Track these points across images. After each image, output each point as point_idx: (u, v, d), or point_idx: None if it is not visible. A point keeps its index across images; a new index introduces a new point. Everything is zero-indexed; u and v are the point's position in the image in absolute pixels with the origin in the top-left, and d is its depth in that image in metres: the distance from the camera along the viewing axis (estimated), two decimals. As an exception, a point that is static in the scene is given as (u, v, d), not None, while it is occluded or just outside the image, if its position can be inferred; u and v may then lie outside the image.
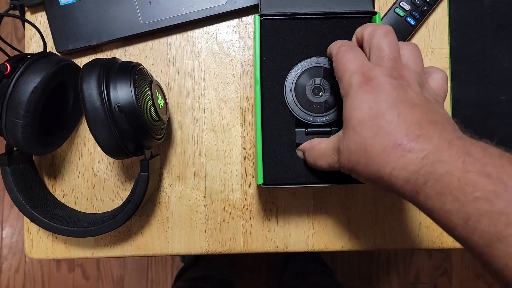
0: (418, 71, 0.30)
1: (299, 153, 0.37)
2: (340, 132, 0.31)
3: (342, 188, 0.47)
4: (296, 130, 0.37)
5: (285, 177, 0.37)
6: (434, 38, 0.48)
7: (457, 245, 0.46)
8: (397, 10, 0.45)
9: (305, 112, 0.36)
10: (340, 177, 0.36)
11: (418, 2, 0.45)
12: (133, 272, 1.25)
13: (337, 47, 0.32)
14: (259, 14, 0.37)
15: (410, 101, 0.27)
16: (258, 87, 0.37)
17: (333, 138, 0.32)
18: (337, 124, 0.37)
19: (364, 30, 0.32)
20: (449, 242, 0.46)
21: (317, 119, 0.36)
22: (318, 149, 0.33)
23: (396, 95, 0.27)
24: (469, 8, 0.47)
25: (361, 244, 0.46)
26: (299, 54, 0.37)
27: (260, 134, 0.36)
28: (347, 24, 0.37)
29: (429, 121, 0.26)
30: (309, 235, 0.46)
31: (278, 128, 0.37)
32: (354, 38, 0.34)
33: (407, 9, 0.45)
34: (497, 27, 0.47)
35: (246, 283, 1.22)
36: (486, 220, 0.21)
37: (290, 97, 0.37)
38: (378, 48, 0.30)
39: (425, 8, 0.46)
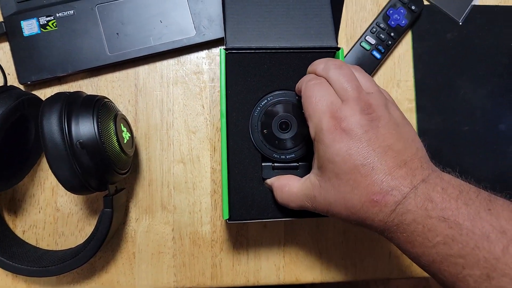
0: (377, 91, 0.31)
1: (267, 185, 0.37)
2: (314, 179, 0.30)
3: (313, 219, 0.46)
4: (262, 164, 0.37)
5: (251, 212, 0.36)
6: (400, 70, 0.49)
7: (426, 274, 0.46)
8: (363, 44, 0.47)
9: (270, 149, 0.36)
10: (309, 212, 0.36)
11: (383, 36, 0.47)
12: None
13: (305, 82, 0.32)
14: (224, 47, 0.37)
15: (382, 145, 0.28)
16: (224, 120, 0.36)
17: (306, 183, 0.31)
18: (304, 159, 0.37)
19: (316, 68, 0.32)
20: (418, 271, 0.47)
21: (283, 156, 0.36)
22: (290, 193, 0.33)
23: (368, 140, 0.28)
24: (432, 42, 0.49)
25: (332, 276, 0.46)
26: (264, 87, 0.38)
27: (225, 168, 0.36)
28: (311, 58, 0.38)
29: (400, 166, 0.27)
30: (280, 267, 0.46)
31: (244, 163, 0.37)
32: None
33: (373, 43, 0.47)
34: (460, 60, 0.49)
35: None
36: (447, 263, 0.24)
37: (255, 134, 0.36)
38: (338, 81, 0.30)
39: (390, 42, 0.47)
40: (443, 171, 0.28)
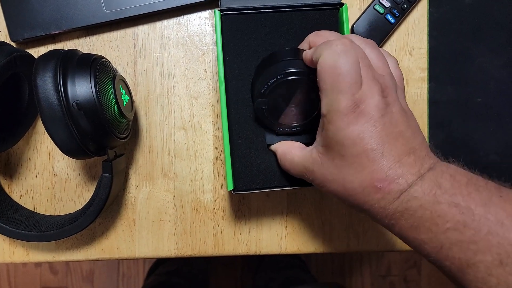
0: (389, 74, 0.29)
1: (271, 151, 0.36)
2: (316, 155, 0.29)
3: (317, 190, 0.45)
4: (266, 131, 0.35)
5: (257, 181, 0.35)
6: (413, 37, 0.46)
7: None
8: (377, 7, 0.44)
9: (274, 123, 0.34)
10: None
11: (398, -1, 0.44)
12: (104, 267, 1.21)
13: (327, 47, 0.27)
14: (219, 9, 0.35)
15: (395, 131, 0.27)
16: (223, 88, 0.34)
17: (307, 156, 0.31)
18: (309, 130, 0.35)
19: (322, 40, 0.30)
20: (422, 244, 0.46)
21: (287, 129, 0.34)
22: (291, 161, 0.32)
23: (383, 125, 0.26)
24: (449, 7, 0.46)
25: (334, 247, 0.45)
26: (265, 52, 0.35)
27: (227, 138, 0.34)
28: (314, 16, 0.35)
29: (408, 153, 0.26)
30: (282, 237, 0.45)
31: (247, 131, 0.35)
32: (306, 44, 0.32)
33: (387, 6, 0.44)
34: (477, 28, 0.47)
35: (221, 276, 1.21)
36: (457, 249, 0.23)
37: (259, 110, 0.33)
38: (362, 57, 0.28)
39: (405, 6, 0.44)
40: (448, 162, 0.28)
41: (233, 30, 0.35)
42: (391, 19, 0.44)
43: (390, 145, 0.26)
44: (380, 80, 0.28)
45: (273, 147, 0.35)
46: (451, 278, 0.25)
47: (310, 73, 0.30)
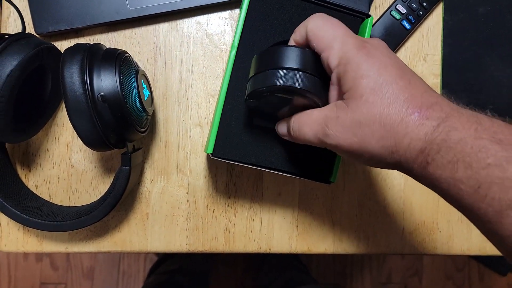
0: None
1: (281, 126, 0.32)
2: (340, 102, 0.27)
3: (328, 190, 0.46)
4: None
5: (236, 153, 0.35)
6: (428, 43, 0.47)
7: (437, 251, 0.46)
8: (393, 13, 0.45)
9: (264, 116, 0.35)
10: (293, 166, 0.35)
11: (414, 6, 0.45)
12: (104, 264, 1.21)
13: (310, 18, 0.29)
14: None
15: (409, 69, 0.26)
16: (234, 52, 0.35)
17: (328, 107, 0.28)
18: None
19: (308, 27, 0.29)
20: (430, 248, 0.47)
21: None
22: (308, 116, 0.29)
23: (397, 61, 0.26)
24: (463, 15, 0.47)
25: (344, 248, 0.46)
26: (282, 33, 0.36)
27: (222, 102, 0.34)
28: (338, 18, 0.36)
29: (432, 89, 0.25)
30: (293, 236, 0.45)
31: (240, 101, 0.35)
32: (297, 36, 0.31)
33: (403, 12, 0.45)
34: (490, 36, 0.47)
35: (222, 276, 1.21)
36: (497, 187, 0.21)
37: (250, 106, 0.33)
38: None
39: (421, 12, 0.45)
40: None
41: (261, 3, 0.35)
42: (407, 25, 0.45)
43: (414, 77, 0.25)
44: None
45: (288, 119, 0.32)
46: (484, 224, 0.23)
47: (306, 90, 0.28)
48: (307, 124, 0.28)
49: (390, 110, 0.24)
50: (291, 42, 0.31)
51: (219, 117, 0.34)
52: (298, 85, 0.27)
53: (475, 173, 0.22)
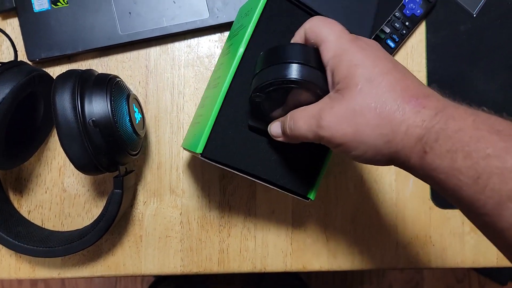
0: None
1: (274, 126, 0.32)
2: (334, 93, 0.27)
3: (322, 206, 0.46)
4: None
5: (226, 156, 0.34)
6: (412, 60, 0.49)
7: (431, 264, 0.47)
8: (378, 33, 0.46)
9: (266, 115, 0.34)
10: (278, 178, 0.35)
11: (397, 25, 0.46)
12: (100, 287, 1.19)
13: (310, 20, 0.30)
14: None
15: (402, 65, 0.27)
16: (243, 50, 0.33)
17: (322, 100, 0.28)
18: None
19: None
20: (424, 261, 0.47)
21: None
22: (305, 109, 0.29)
23: (390, 57, 0.26)
24: (446, 33, 0.49)
25: (338, 264, 0.46)
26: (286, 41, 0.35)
27: (220, 102, 0.33)
28: None
29: (425, 86, 0.26)
30: (288, 254, 0.45)
31: (237, 106, 0.34)
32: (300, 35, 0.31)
33: (387, 31, 0.46)
34: (472, 52, 0.49)
35: (219, 298, 1.19)
36: (497, 178, 0.20)
37: (254, 101, 0.32)
38: None
39: (404, 31, 0.47)
40: None
41: (275, 9, 0.35)
42: (391, 44, 0.46)
43: (406, 70, 0.26)
44: None
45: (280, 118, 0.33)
46: (481, 217, 0.22)
47: (309, 81, 0.29)
48: (302, 118, 0.28)
49: (386, 99, 0.24)
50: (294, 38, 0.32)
51: (215, 117, 0.33)
52: (303, 77, 0.28)
53: (474, 163, 0.21)
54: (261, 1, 0.34)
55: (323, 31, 0.28)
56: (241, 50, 0.33)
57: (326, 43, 0.27)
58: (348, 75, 0.25)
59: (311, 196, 0.35)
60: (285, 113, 0.31)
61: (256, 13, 0.34)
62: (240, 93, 0.34)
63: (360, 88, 0.25)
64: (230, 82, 0.33)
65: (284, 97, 0.31)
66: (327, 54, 0.27)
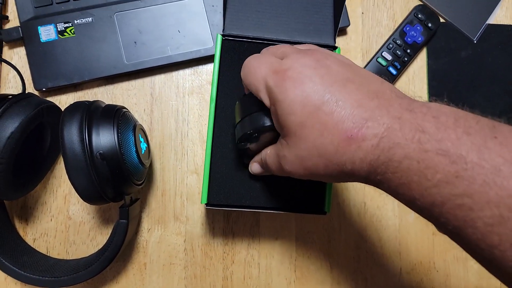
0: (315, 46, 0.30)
1: (254, 166, 0.33)
2: (282, 140, 0.27)
3: (325, 233, 0.46)
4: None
5: (229, 199, 0.36)
6: (414, 86, 0.49)
7: (436, 291, 0.46)
8: (380, 60, 0.47)
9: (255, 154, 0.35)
10: (287, 203, 0.36)
11: (399, 53, 0.47)
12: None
13: (242, 69, 0.29)
14: (222, 33, 0.37)
15: (339, 78, 0.24)
16: (213, 105, 0.36)
17: (277, 145, 0.28)
18: None
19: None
20: None
21: None
22: (268, 151, 0.30)
23: (321, 77, 0.24)
24: (446, 59, 0.49)
25: (343, 291, 0.46)
26: None
27: (209, 153, 0.35)
28: None
29: (369, 97, 0.23)
30: (291, 282, 0.45)
31: (227, 147, 0.36)
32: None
33: (389, 59, 0.47)
34: (473, 77, 0.50)
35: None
36: (451, 204, 0.20)
37: (241, 149, 0.34)
38: (276, 49, 0.29)
39: (406, 58, 0.47)
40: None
41: (231, 53, 0.37)
42: (393, 71, 0.47)
43: (341, 93, 0.23)
44: (303, 49, 0.28)
45: (255, 158, 0.34)
46: (450, 236, 0.22)
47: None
48: (269, 158, 0.30)
49: (323, 140, 0.24)
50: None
51: (208, 167, 0.35)
52: (261, 124, 0.29)
53: (426, 191, 0.21)
54: (218, 49, 0.36)
55: (253, 81, 0.27)
56: (213, 105, 0.36)
57: (260, 93, 0.27)
58: (284, 125, 0.25)
59: (327, 209, 0.36)
60: (258, 150, 0.33)
61: (216, 58, 0.36)
62: (226, 137, 0.36)
63: (299, 136, 0.25)
64: (212, 134, 0.36)
65: (258, 137, 0.32)
66: (266, 103, 0.27)
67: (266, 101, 0.27)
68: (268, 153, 0.30)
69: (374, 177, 0.23)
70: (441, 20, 0.50)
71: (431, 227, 0.47)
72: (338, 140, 0.23)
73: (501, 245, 0.19)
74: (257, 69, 0.27)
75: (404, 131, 0.21)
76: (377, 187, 0.24)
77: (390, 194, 0.24)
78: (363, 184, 0.47)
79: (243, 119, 0.31)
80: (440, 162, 0.20)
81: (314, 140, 0.24)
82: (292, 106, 0.24)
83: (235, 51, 0.37)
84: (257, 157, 0.33)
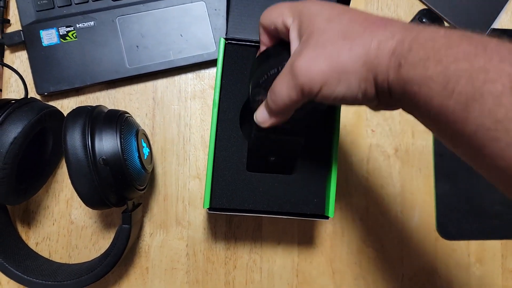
0: None
1: (259, 111, 0.31)
2: (300, 44, 0.27)
3: (327, 238, 0.46)
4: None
5: (232, 202, 0.36)
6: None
7: (438, 297, 0.46)
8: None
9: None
10: (290, 207, 0.36)
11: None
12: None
13: (261, 18, 0.31)
14: (225, 37, 0.37)
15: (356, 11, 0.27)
16: (215, 109, 0.36)
17: (289, 60, 0.27)
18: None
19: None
20: (430, 293, 0.47)
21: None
22: (278, 78, 0.28)
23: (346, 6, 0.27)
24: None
25: (345, 296, 0.46)
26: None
27: (212, 156, 0.35)
28: None
29: (381, 19, 0.26)
30: (293, 287, 0.45)
31: (229, 151, 0.36)
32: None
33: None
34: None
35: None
36: (464, 81, 0.20)
37: (255, 100, 0.33)
38: None
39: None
40: None
41: (234, 57, 0.37)
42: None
43: (358, 11, 0.26)
44: None
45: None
46: (450, 125, 0.22)
47: None
48: (278, 82, 0.27)
49: (351, 27, 0.25)
50: (261, 46, 0.32)
51: (211, 171, 0.35)
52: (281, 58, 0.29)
53: (445, 68, 0.21)
54: (220, 52, 0.36)
55: (275, 12, 0.29)
56: (215, 109, 0.36)
57: (283, 15, 0.28)
58: (310, 24, 0.26)
59: (330, 214, 0.36)
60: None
61: (219, 62, 0.36)
62: (229, 141, 0.36)
63: (323, 28, 0.25)
64: (215, 133, 0.35)
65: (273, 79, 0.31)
66: (288, 20, 0.28)
67: (288, 18, 0.28)
68: (277, 80, 0.28)
69: (395, 59, 0.23)
70: (446, 24, 0.50)
71: (433, 233, 0.47)
72: (368, 24, 0.24)
73: (506, 116, 0.19)
74: (282, 4, 0.29)
75: (429, 28, 0.23)
76: (391, 78, 0.23)
77: (403, 85, 0.23)
78: (366, 189, 0.47)
79: (269, 59, 0.31)
80: (461, 43, 0.21)
81: (341, 28, 0.25)
82: (321, 9, 0.26)
83: (238, 55, 0.37)
84: (264, 101, 0.31)
